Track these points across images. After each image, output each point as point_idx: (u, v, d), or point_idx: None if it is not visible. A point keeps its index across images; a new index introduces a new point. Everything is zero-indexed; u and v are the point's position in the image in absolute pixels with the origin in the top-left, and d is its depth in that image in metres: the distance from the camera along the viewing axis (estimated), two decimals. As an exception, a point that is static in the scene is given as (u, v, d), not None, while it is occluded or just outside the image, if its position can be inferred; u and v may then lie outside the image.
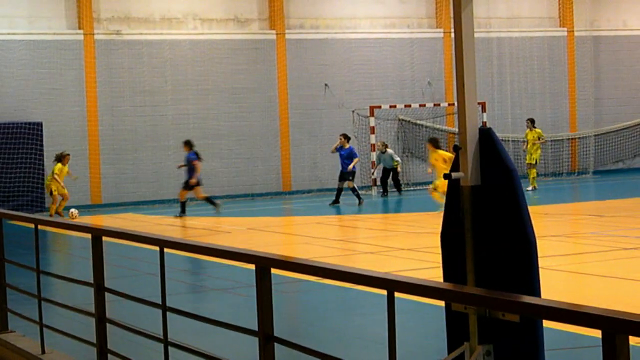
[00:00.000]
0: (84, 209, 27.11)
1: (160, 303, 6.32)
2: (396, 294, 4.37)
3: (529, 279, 5.52)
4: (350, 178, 26.78)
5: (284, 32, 30.70)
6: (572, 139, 34.53)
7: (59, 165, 26.09)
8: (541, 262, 5.75)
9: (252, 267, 5.39)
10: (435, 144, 23.03)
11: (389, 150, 29.36)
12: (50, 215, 25.79)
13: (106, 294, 7.37)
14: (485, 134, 5.70)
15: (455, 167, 5.76)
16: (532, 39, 33.84)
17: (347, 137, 27.38)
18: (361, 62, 31.54)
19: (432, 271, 12.92)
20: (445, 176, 5.75)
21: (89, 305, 7.80)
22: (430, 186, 23.06)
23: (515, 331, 5.45)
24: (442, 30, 32.54)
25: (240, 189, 30.27)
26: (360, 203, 26.38)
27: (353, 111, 31.08)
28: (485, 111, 31.79)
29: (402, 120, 32.27)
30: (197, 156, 24.95)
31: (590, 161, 34.40)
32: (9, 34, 27.81)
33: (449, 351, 5.83)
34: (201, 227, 22.33)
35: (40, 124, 27.69)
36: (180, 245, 7.03)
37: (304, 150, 30.99)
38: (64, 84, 28.29)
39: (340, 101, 31.21)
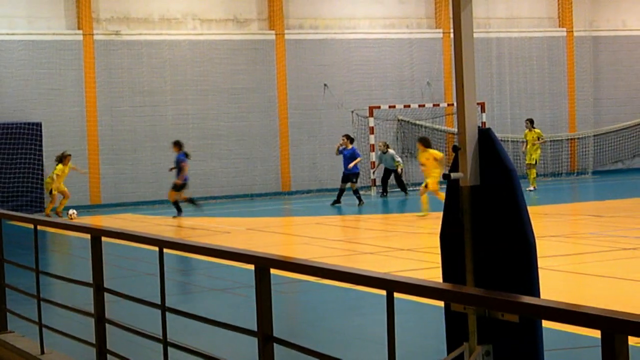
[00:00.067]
0: (83, 209, 27.11)
1: (160, 303, 6.32)
2: (395, 294, 4.37)
3: (528, 279, 5.52)
4: (354, 180, 26.78)
5: (283, 32, 30.70)
6: (571, 139, 34.53)
7: (60, 166, 26.08)
8: (540, 263, 5.75)
9: (252, 267, 5.39)
10: (425, 143, 22.91)
11: (391, 151, 29.34)
12: (47, 215, 25.77)
13: (105, 294, 7.37)
14: (485, 134, 5.70)
15: (454, 167, 5.76)
16: (531, 39, 33.85)
17: (349, 138, 27.36)
18: (360, 63, 31.55)
19: (432, 271, 12.92)
20: (445, 176, 5.75)
21: (88, 306, 7.80)
22: (421, 186, 22.94)
23: (514, 331, 5.45)
24: (441, 30, 32.54)
25: (239, 189, 30.27)
26: (360, 204, 26.38)
27: (352, 111, 31.08)
28: (484, 111, 31.80)
29: (402, 120, 32.27)
30: (186, 157, 24.91)
31: (589, 161, 34.41)
32: (8, 34, 27.81)
33: (449, 351, 5.83)
34: (200, 228, 22.33)
35: (39, 124, 27.69)
36: (179, 245, 7.03)
37: (304, 151, 30.99)
38: (63, 84, 28.29)
39: (340, 101, 31.22)
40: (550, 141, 33.50)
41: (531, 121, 30.03)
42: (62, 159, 25.97)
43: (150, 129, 29.18)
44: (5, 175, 27.37)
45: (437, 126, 32.61)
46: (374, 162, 30.39)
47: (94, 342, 7.41)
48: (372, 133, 30.74)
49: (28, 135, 27.46)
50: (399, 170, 29.37)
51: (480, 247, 5.65)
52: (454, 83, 6.56)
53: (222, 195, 29.91)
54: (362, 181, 30.22)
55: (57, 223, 10.11)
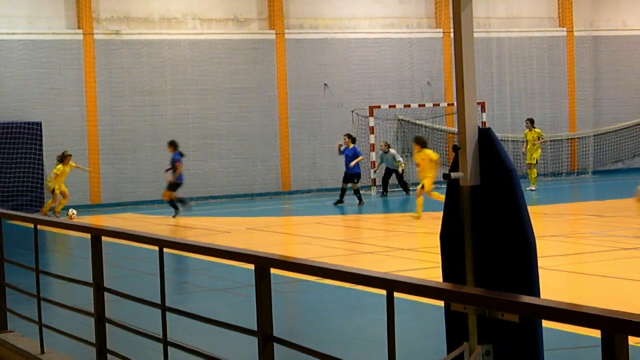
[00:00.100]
0: (83, 208, 27.11)
1: (160, 303, 6.32)
2: (395, 294, 4.37)
3: (528, 279, 5.52)
4: (356, 180, 26.80)
5: (283, 32, 30.70)
6: (571, 139, 34.54)
7: (60, 166, 26.05)
8: (540, 262, 5.75)
9: (252, 267, 5.39)
10: (421, 143, 22.71)
11: (392, 151, 29.34)
12: (44, 214, 25.74)
13: (105, 293, 7.37)
14: (485, 134, 5.70)
15: (454, 167, 5.76)
16: (531, 39, 33.85)
17: (350, 137, 27.38)
18: (360, 62, 31.55)
19: (432, 271, 12.92)
20: (445, 176, 5.75)
21: (88, 305, 7.80)
22: (418, 187, 22.79)
23: (514, 331, 5.45)
24: (441, 30, 32.54)
25: (239, 189, 30.27)
26: (360, 203, 26.39)
27: (352, 111, 31.08)
28: (484, 111, 31.80)
29: (402, 120, 32.27)
30: (181, 156, 25.06)
31: (589, 161, 34.41)
32: (8, 33, 27.81)
33: (449, 351, 5.83)
34: (200, 227, 22.33)
35: (39, 124, 27.69)
36: (179, 245, 7.03)
37: (304, 150, 30.99)
38: (64, 84, 28.28)
39: (340, 101, 31.22)
40: (550, 141, 33.50)
41: (531, 121, 30.03)
42: (62, 159, 25.96)
43: (150, 129, 29.19)
44: (5, 175, 27.38)
45: (437, 126, 32.61)
46: (374, 162, 30.39)
47: (94, 341, 7.41)
48: (372, 133, 30.74)
49: (28, 135, 27.46)
50: (400, 170, 29.38)
51: (480, 247, 5.65)
52: (454, 83, 6.57)
53: (222, 195, 29.91)
54: (362, 181, 30.22)
55: (57, 223, 10.12)
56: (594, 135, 34.63)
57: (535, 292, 5.50)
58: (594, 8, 34.75)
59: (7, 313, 9.43)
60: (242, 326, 5.71)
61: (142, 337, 6.94)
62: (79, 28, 28.53)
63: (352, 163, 26.69)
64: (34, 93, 27.98)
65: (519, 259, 5.52)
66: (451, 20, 5.80)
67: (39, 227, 8.55)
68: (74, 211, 25.44)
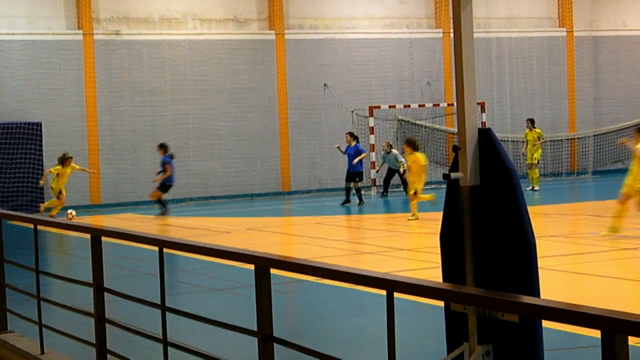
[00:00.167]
0: (83, 209, 27.11)
1: (160, 303, 6.32)
2: (395, 294, 4.37)
3: (528, 279, 5.52)
4: (357, 180, 26.81)
5: (283, 32, 30.70)
6: (571, 139, 34.54)
7: (59, 166, 25.98)
8: (540, 262, 5.75)
9: (252, 267, 5.39)
10: (413, 145, 22.38)
11: (394, 151, 29.32)
12: (41, 212, 25.69)
13: (105, 294, 7.37)
14: (485, 134, 5.70)
15: (454, 167, 5.76)
16: (531, 39, 33.85)
17: (352, 135, 27.40)
18: (360, 62, 31.55)
19: (432, 271, 12.92)
20: (445, 176, 5.75)
21: (88, 306, 7.80)
22: (410, 193, 22.62)
23: (514, 331, 5.45)
24: (441, 30, 32.54)
25: (239, 189, 30.27)
26: (360, 203, 26.39)
27: (352, 111, 31.08)
28: (484, 111, 31.80)
29: (402, 120, 32.26)
30: (172, 159, 25.34)
31: (589, 161, 34.41)
32: (8, 34, 27.81)
33: (449, 351, 5.83)
34: (200, 227, 22.33)
35: (39, 124, 27.69)
36: (179, 245, 7.03)
37: (303, 151, 30.99)
38: (63, 84, 28.28)
39: (340, 101, 31.21)
40: (550, 141, 33.50)
41: (532, 121, 30.03)
42: (63, 160, 25.83)
43: (150, 129, 29.18)
44: (5, 175, 27.37)
45: (437, 126, 32.60)
46: (374, 162, 30.38)
47: (94, 342, 7.41)
48: (372, 133, 30.74)
49: (28, 135, 27.46)
50: (402, 170, 29.36)
51: (480, 247, 5.65)
52: (454, 83, 6.57)
53: (222, 195, 29.90)
54: (362, 181, 30.21)
55: (57, 223, 10.11)
56: (594, 136, 34.63)
57: (535, 292, 5.50)
58: (594, 8, 34.75)
59: (7, 313, 9.43)
60: (242, 326, 5.71)
61: (142, 337, 6.94)
62: (78, 28, 28.53)
63: (356, 160, 26.70)
64: (34, 93, 27.98)
65: (519, 259, 5.52)
66: (451, 21, 5.80)
67: (38, 227, 8.55)
68: (73, 212, 25.40)
